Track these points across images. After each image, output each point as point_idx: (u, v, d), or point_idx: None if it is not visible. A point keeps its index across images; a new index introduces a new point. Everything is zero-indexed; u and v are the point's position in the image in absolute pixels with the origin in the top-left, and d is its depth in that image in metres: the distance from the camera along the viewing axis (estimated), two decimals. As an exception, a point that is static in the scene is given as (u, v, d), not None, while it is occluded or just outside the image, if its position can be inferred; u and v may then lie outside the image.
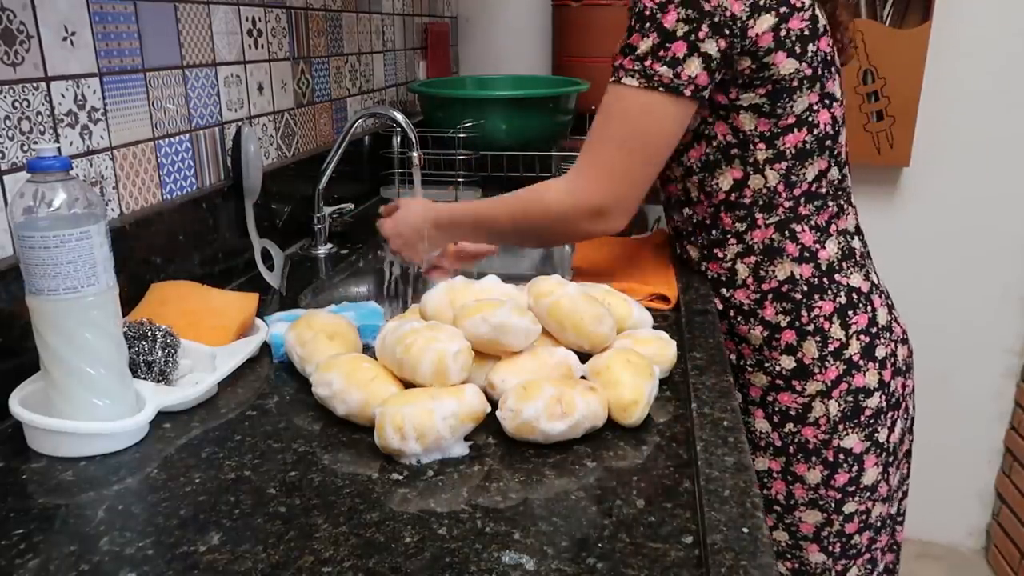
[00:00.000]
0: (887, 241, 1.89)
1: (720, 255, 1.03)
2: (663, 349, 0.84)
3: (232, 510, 0.61)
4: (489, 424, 0.73)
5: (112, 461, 0.68)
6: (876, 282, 1.04)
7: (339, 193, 1.52)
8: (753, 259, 1.01)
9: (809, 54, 0.93)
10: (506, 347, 0.78)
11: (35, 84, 0.81)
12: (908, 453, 1.12)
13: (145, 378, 0.77)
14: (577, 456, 0.69)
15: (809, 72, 0.93)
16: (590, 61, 1.98)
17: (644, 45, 0.89)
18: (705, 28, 0.87)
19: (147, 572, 0.54)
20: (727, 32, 0.88)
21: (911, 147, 2.07)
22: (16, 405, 0.70)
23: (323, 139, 1.49)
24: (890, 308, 1.05)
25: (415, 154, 1.24)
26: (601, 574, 0.54)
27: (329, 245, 1.33)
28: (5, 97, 0.77)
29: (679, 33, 0.88)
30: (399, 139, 1.63)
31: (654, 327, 0.92)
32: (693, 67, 0.88)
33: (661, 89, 0.89)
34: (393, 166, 1.66)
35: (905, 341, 1.06)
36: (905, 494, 1.14)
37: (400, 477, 0.66)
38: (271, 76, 1.28)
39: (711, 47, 0.88)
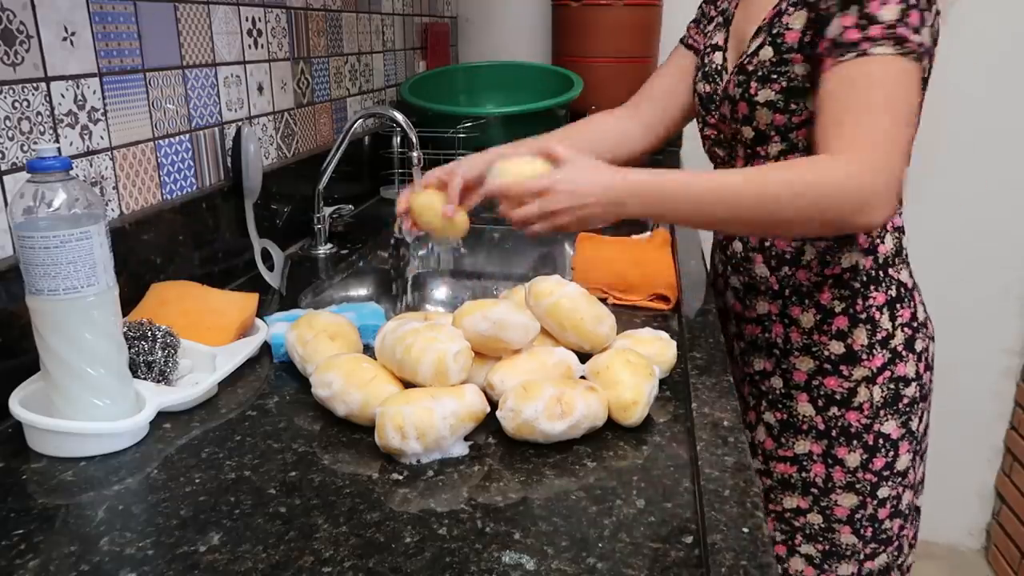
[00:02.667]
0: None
1: None
2: (664, 350, 0.84)
3: (232, 510, 0.61)
4: (489, 424, 0.73)
5: (112, 461, 0.68)
6: (916, 281, 1.06)
7: (339, 193, 1.52)
8: (823, 244, 1.01)
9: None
10: (507, 343, 0.78)
11: (35, 84, 0.81)
12: (925, 452, 1.13)
13: (145, 378, 0.77)
14: (577, 456, 0.70)
15: (925, 75, 0.93)
16: (590, 61, 1.98)
17: (889, 12, 0.84)
18: None
19: (147, 572, 0.54)
20: (936, 10, 0.87)
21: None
22: (16, 405, 0.70)
23: (323, 139, 1.49)
24: (924, 307, 1.07)
25: (415, 154, 1.24)
26: (601, 574, 0.54)
27: (329, 245, 1.33)
28: (5, 97, 0.77)
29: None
30: (399, 139, 1.63)
31: (654, 327, 0.92)
32: (927, 37, 0.86)
33: (912, 57, 0.83)
34: (393, 166, 1.66)
35: (934, 339, 1.08)
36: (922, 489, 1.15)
37: (400, 477, 0.66)
38: (271, 76, 1.28)
39: (931, 19, 0.86)
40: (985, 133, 2.08)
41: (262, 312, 0.98)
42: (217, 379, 0.80)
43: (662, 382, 0.83)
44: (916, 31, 0.84)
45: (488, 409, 0.72)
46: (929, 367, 1.05)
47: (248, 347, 0.87)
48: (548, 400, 0.69)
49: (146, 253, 0.96)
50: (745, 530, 0.56)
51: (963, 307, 2.20)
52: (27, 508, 0.62)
